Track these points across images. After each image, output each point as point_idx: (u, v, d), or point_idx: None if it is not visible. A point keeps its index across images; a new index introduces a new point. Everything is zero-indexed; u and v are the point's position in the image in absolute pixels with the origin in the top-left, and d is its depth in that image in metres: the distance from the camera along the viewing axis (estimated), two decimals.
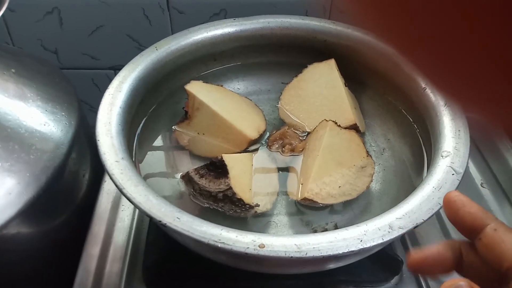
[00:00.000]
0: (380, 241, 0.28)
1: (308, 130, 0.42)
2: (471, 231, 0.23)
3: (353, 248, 0.27)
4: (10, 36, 0.59)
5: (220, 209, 0.35)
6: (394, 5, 0.10)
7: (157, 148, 0.42)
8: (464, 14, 0.09)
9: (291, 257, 0.27)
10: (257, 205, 0.35)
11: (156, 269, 0.39)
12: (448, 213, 0.23)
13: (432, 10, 0.10)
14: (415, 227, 0.29)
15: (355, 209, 0.38)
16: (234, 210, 0.35)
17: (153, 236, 0.41)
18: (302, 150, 0.40)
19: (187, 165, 0.41)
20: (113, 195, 0.45)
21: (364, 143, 0.40)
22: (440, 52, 0.10)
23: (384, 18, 0.11)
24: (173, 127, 0.42)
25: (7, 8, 0.37)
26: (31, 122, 0.38)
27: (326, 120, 0.40)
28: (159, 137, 0.43)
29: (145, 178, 0.39)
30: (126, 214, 0.43)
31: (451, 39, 0.10)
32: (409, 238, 0.41)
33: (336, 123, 0.39)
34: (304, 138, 0.42)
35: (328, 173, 0.36)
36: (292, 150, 0.41)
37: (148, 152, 0.42)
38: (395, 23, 0.10)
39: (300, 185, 0.37)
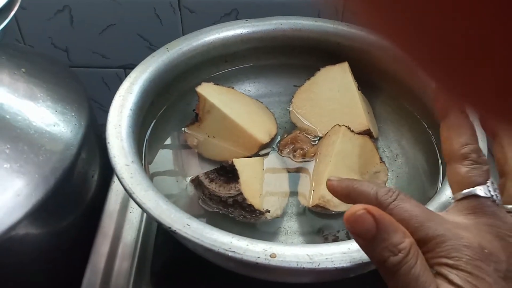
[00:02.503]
0: None
1: (320, 134, 0.42)
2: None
3: (367, 260, 0.26)
4: (21, 34, 0.59)
5: (230, 215, 0.34)
6: (396, 3, 0.10)
7: (167, 151, 0.42)
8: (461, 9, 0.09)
9: (303, 268, 0.26)
10: (268, 211, 0.34)
11: (164, 273, 0.38)
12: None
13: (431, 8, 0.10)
14: None
15: None
16: (244, 216, 0.34)
17: (161, 239, 0.41)
18: (314, 155, 0.40)
19: (197, 168, 0.40)
20: (122, 196, 0.45)
21: (377, 149, 0.39)
22: (436, 47, 0.10)
23: (388, 17, 0.11)
24: (183, 129, 0.42)
25: (19, 6, 0.36)
26: (40, 122, 0.38)
27: (339, 125, 0.39)
28: (169, 139, 0.43)
29: (154, 180, 0.39)
30: (134, 216, 0.43)
31: (444, 31, 0.10)
32: None
33: (349, 128, 0.39)
34: (316, 142, 0.41)
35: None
36: (304, 155, 0.40)
37: (158, 154, 0.41)
38: (397, 21, 0.10)
39: (312, 191, 0.37)
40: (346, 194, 0.25)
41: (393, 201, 0.23)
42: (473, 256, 0.21)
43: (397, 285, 0.21)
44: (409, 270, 0.21)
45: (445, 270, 0.21)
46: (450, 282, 0.21)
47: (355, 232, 0.22)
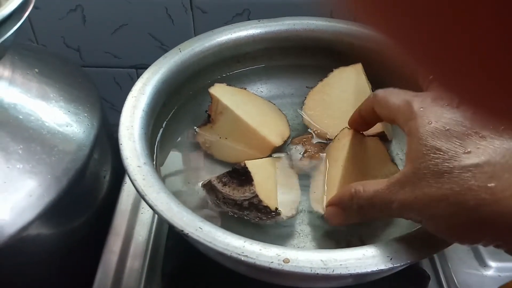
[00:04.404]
0: (412, 259, 0.26)
1: (331, 137, 0.41)
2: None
3: (383, 267, 0.26)
4: (34, 33, 0.59)
5: (245, 217, 0.34)
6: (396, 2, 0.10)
7: (178, 152, 0.42)
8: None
9: (317, 273, 0.26)
10: (282, 213, 0.34)
11: (175, 275, 0.38)
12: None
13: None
14: (448, 246, 0.27)
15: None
16: (260, 218, 0.34)
17: (172, 241, 0.41)
18: (318, 156, 0.39)
19: (208, 169, 0.40)
20: (133, 197, 0.45)
21: (390, 151, 0.39)
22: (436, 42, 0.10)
23: (386, 14, 0.10)
24: (195, 130, 0.41)
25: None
26: (53, 123, 0.38)
27: (348, 128, 0.38)
28: (181, 140, 0.42)
29: (165, 181, 0.39)
30: (146, 217, 0.43)
31: (443, 30, 0.10)
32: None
33: (358, 131, 0.38)
34: (325, 143, 0.41)
35: None
36: (311, 158, 0.39)
37: (169, 156, 0.41)
38: (396, 18, 0.10)
39: (324, 198, 0.36)
40: (360, 120, 0.35)
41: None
42: None
43: (364, 212, 0.29)
44: (356, 202, 0.29)
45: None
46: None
47: (336, 220, 0.31)
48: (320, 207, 0.35)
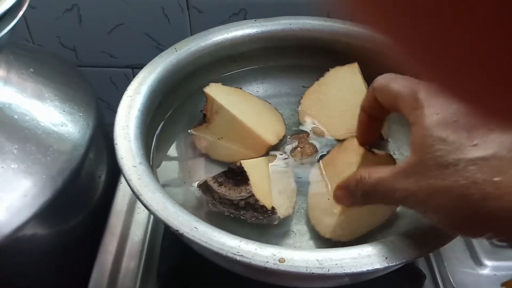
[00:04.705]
0: (407, 259, 0.26)
1: (328, 136, 0.41)
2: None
3: (378, 266, 0.26)
4: (30, 33, 0.59)
5: (241, 217, 0.34)
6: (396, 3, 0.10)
7: (174, 151, 0.42)
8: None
9: (312, 273, 0.26)
10: (279, 214, 0.34)
11: (170, 275, 0.38)
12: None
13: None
14: (443, 245, 0.27)
15: None
16: (256, 217, 0.34)
17: (168, 241, 0.41)
18: (311, 154, 0.39)
19: (204, 169, 0.40)
20: (129, 197, 0.44)
21: (387, 150, 0.39)
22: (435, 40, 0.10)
23: (386, 14, 0.10)
24: (190, 130, 0.41)
25: (28, 5, 0.36)
26: (48, 122, 0.38)
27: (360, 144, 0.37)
28: (177, 140, 0.42)
29: (161, 181, 0.39)
30: (141, 217, 0.43)
31: (443, 30, 0.10)
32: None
33: (368, 149, 0.36)
34: (316, 141, 0.40)
35: (356, 209, 0.34)
36: (301, 153, 0.39)
37: (165, 155, 0.41)
38: (397, 19, 0.10)
39: (325, 220, 0.35)
40: (366, 119, 0.35)
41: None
42: None
43: (368, 198, 0.29)
44: (361, 188, 0.29)
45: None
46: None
47: (344, 203, 0.32)
48: (324, 231, 0.34)
